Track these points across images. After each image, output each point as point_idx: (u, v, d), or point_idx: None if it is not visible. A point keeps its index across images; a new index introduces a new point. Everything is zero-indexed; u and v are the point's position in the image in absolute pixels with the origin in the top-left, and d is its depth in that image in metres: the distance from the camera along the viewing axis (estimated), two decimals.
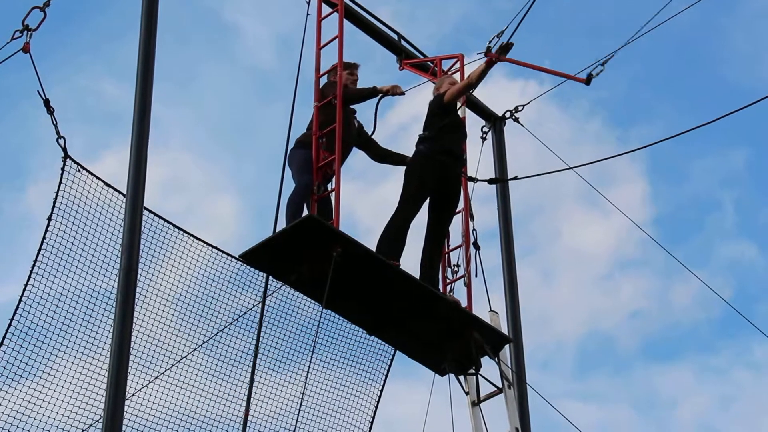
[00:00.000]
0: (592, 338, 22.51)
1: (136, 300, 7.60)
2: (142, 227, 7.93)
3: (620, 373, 22.13)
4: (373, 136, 9.23)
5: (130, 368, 7.44)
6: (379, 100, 8.99)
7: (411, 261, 8.67)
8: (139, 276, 7.69)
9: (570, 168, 9.70)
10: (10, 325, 8.22)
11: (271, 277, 8.57)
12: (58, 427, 8.37)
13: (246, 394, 8.97)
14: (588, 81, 9.06)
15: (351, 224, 8.93)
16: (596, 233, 22.21)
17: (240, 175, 20.29)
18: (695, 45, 21.95)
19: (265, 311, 9.55)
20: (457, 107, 9.22)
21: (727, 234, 22.83)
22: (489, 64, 8.61)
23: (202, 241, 9.48)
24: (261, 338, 9.55)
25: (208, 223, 18.95)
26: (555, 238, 22.13)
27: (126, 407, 7.48)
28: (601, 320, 22.46)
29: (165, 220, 9.23)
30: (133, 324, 7.48)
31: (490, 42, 8.54)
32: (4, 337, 8.19)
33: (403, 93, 9.04)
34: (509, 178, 10.36)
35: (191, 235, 9.40)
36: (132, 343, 7.48)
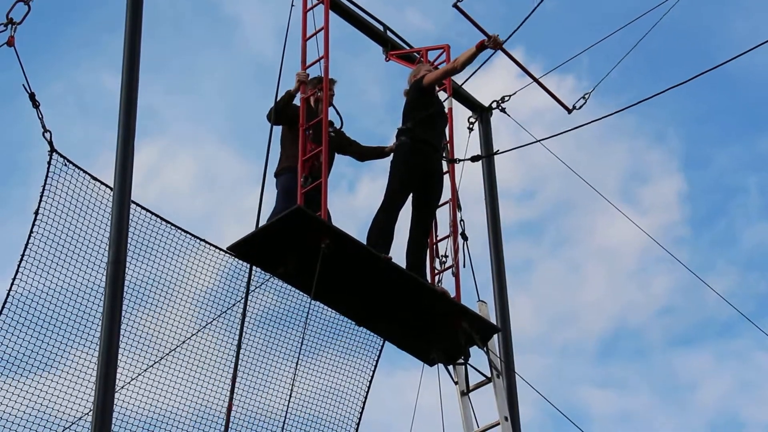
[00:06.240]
0: (619, 329, 22.59)
1: (125, 293, 7.61)
2: (133, 220, 7.92)
3: (641, 358, 22.18)
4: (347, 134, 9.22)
5: (119, 360, 7.44)
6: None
7: (397, 252, 8.70)
8: (127, 269, 7.70)
9: (538, 141, 9.70)
10: None
11: (259, 270, 8.57)
12: (48, 420, 8.40)
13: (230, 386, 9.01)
14: (569, 111, 10.06)
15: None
16: (630, 229, 22.25)
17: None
18: (693, 32, 21.93)
19: (256, 303, 9.58)
20: (437, 92, 9.19)
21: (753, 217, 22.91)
22: (479, 49, 8.62)
23: (190, 233, 9.49)
24: (251, 330, 9.59)
25: (242, 216, 18.96)
26: (588, 234, 22.18)
27: (116, 399, 7.48)
28: (631, 313, 22.51)
29: (152, 213, 9.24)
30: (122, 316, 7.48)
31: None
32: None
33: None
34: (488, 154, 10.31)
35: (178, 227, 9.41)
36: (121, 336, 7.48)
